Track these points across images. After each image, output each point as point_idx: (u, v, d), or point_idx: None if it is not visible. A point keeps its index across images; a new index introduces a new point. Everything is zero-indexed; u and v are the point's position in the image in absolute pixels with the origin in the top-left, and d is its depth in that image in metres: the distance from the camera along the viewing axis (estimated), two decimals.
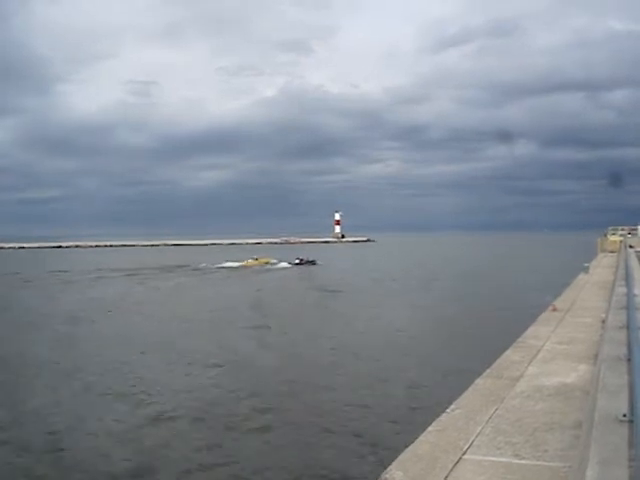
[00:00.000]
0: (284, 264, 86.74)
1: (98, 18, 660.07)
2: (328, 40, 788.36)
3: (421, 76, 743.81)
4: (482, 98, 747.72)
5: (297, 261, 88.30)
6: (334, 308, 41.87)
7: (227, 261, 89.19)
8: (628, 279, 16.10)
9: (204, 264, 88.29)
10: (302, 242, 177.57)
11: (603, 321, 12.35)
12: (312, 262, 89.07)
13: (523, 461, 5.79)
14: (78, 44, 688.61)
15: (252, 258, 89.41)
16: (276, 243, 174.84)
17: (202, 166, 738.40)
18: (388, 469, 5.73)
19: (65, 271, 78.90)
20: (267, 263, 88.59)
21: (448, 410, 7.55)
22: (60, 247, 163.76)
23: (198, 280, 68.17)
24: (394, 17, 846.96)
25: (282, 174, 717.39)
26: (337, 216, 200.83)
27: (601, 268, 32.76)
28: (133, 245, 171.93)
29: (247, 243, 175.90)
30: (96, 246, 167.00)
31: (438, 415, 7.47)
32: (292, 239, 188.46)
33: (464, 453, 6.06)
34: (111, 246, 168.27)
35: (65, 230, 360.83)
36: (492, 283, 56.29)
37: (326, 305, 43.83)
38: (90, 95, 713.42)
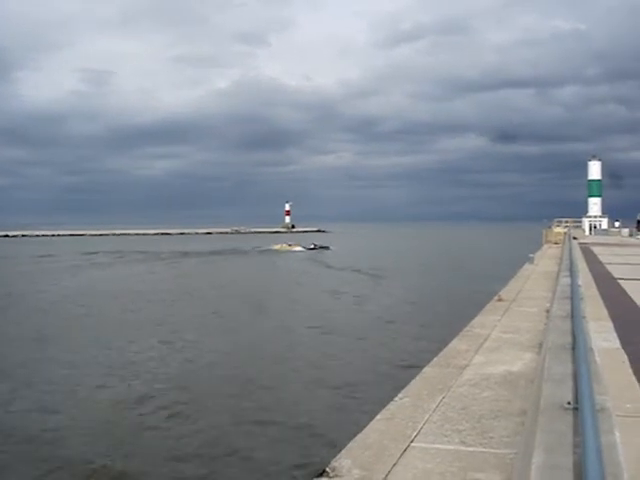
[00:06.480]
0: (300, 248, 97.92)
1: (54, 6, 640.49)
2: (284, 33, 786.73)
3: (375, 70, 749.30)
4: (434, 92, 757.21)
5: (312, 246, 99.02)
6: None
7: (269, 245, 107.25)
8: (572, 269, 16.43)
9: (248, 248, 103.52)
10: (252, 232, 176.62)
11: (548, 311, 12.57)
12: (326, 247, 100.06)
13: (470, 448, 5.84)
14: (33, 33, 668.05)
15: (287, 244, 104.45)
16: (227, 233, 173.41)
17: (155, 155, 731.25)
18: (336, 457, 5.70)
19: (145, 252, 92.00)
20: (297, 248, 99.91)
21: (396, 398, 7.56)
22: (7, 236, 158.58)
23: (272, 255, 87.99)
24: (350, 12, 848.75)
25: (235, 165, 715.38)
26: (287, 206, 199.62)
27: (546, 259, 33.38)
28: (82, 234, 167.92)
29: (197, 233, 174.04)
30: (43, 235, 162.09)
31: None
32: (242, 229, 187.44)
33: (412, 441, 6.08)
34: (59, 235, 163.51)
35: (14, 219, 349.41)
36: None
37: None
38: (43, 84, 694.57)
